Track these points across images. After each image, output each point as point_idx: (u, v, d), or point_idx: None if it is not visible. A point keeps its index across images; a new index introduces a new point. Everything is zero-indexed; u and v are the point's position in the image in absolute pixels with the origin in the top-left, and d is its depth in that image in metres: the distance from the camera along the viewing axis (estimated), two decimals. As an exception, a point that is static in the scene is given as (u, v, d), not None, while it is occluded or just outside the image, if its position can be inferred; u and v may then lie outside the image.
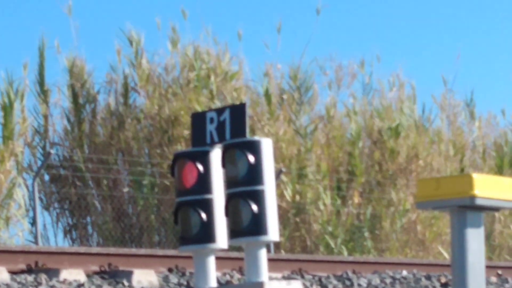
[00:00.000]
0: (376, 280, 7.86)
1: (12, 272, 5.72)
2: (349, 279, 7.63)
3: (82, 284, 5.66)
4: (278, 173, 11.62)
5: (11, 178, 11.99)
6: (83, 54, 14.17)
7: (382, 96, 16.30)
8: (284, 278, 7.20)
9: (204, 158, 3.26)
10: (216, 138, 3.25)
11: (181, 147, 13.10)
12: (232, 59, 14.80)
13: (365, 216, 14.54)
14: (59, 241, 13.23)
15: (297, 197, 14.25)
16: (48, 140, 13.75)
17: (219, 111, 3.38)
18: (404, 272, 8.65)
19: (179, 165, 3.30)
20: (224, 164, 3.15)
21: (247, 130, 3.18)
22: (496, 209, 2.45)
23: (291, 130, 14.64)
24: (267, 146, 3.17)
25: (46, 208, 13.50)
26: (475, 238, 2.08)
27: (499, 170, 16.53)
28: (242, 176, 3.09)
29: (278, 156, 13.12)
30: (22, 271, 6.11)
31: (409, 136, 15.54)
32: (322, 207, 14.20)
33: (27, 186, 12.64)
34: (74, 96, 13.80)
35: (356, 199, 14.83)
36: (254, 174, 3.03)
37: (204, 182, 3.24)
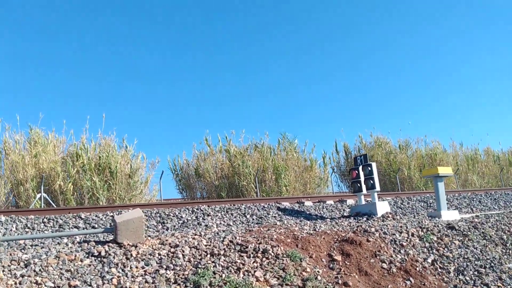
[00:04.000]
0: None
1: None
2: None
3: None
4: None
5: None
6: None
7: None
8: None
9: (358, 169, 9.93)
10: (358, 163, 9.98)
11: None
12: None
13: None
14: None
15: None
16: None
17: (360, 156, 9.99)
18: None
19: (351, 171, 10.01)
20: (362, 169, 9.89)
21: (368, 161, 9.85)
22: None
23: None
24: (374, 166, 9.76)
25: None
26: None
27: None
28: (366, 174, 9.76)
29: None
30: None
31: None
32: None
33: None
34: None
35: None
36: (369, 173, 9.74)
37: (358, 176, 9.92)
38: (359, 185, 9.88)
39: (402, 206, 11.88)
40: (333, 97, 50.56)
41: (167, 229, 8.16)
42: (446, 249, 7.62)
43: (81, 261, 5.77)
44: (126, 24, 43.59)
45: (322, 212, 10.57)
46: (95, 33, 39.23)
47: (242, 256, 6.40)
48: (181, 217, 8.84)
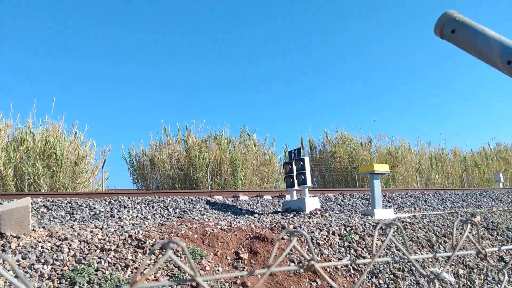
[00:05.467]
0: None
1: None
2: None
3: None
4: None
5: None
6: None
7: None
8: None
9: (292, 164, 9.48)
10: (292, 157, 9.52)
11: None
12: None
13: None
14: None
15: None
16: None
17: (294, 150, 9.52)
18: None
19: (285, 165, 9.56)
20: (295, 164, 9.44)
21: (302, 155, 9.42)
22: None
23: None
24: (307, 161, 9.33)
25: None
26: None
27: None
28: (298, 168, 9.34)
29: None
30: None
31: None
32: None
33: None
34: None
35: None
36: (301, 167, 9.30)
37: (291, 170, 9.47)
38: (291, 180, 9.45)
39: (342, 203, 11.48)
40: (300, 94, 49.98)
41: (74, 220, 7.63)
42: (365, 249, 7.25)
43: None
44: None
45: (254, 207, 10.10)
46: (47, 8, 37.76)
47: (136, 252, 5.95)
48: (94, 208, 8.30)
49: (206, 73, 46.32)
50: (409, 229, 8.33)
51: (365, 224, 8.16)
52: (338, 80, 50.81)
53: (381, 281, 6.54)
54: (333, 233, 7.50)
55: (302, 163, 9.17)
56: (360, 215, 9.45)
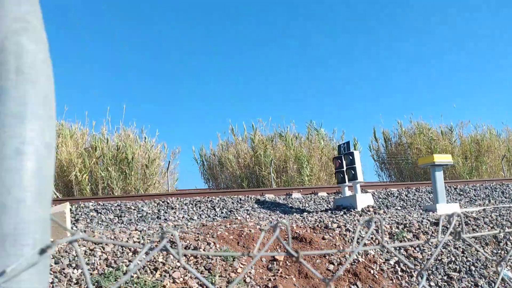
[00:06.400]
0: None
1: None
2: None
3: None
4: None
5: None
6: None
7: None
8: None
9: (341, 158, 8.94)
10: (342, 152, 8.97)
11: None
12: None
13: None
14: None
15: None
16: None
17: (344, 143, 8.99)
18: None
19: (334, 160, 9.02)
20: (344, 158, 8.87)
21: (351, 149, 8.84)
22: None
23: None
24: (357, 155, 8.74)
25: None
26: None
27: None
28: (348, 163, 8.75)
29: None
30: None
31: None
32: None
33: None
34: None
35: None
36: (350, 162, 8.72)
37: (341, 166, 8.93)
38: (342, 175, 8.89)
39: (406, 198, 10.66)
40: (371, 80, 47.26)
41: (122, 223, 7.75)
42: (417, 248, 6.61)
43: (-13, 258, 5.48)
44: (148, 10, 43.69)
45: (306, 205, 9.66)
46: (115, 20, 39.41)
47: (168, 255, 5.86)
48: (142, 210, 8.38)
49: (272, 70, 46.06)
50: (472, 224, 7.49)
51: (422, 221, 7.47)
52: (408, 66, 47.97)
53: (432, 283, 5.90)
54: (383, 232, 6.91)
55: (351, 157, 8.59)
56: (421, 211, 8.71)
